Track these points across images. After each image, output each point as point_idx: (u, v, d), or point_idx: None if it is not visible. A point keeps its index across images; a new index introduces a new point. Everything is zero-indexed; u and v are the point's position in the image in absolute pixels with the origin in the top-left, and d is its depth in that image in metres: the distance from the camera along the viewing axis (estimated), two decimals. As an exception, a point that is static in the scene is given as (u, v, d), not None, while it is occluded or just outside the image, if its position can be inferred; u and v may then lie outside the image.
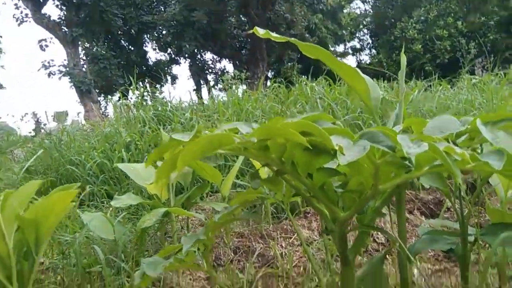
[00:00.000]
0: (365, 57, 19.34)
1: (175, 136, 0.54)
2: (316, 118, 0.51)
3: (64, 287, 1.49)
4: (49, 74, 14.65)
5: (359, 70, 0.93)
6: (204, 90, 16.96)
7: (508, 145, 0.47)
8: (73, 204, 1.07)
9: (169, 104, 4.07)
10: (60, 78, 14.50)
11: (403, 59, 1.09)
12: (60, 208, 0.90)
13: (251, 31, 1.06)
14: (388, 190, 0.71)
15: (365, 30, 19.59)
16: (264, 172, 1.92)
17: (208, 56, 18.58)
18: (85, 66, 14.86)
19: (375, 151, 0.46)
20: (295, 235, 1.95)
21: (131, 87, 4.25)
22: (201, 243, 0.89)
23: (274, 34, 1.04)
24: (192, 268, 1.13)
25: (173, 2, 15.66)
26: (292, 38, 0.97)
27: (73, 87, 14.13)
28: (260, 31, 1.02)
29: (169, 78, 18.54)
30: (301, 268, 1.70)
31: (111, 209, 1.83)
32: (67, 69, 14.26)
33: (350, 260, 0.71)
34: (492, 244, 0.91)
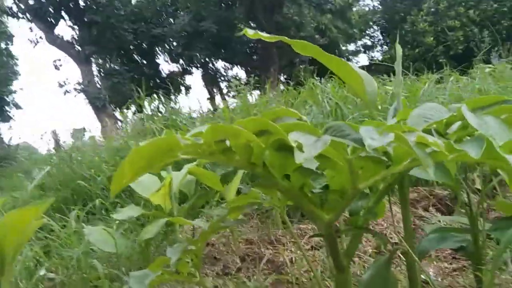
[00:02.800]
0: (376, 54, 19.15)
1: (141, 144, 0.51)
2: (280, 114, 0.47)
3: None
4: (65, 93, 14.96)
5: (352, 64, 0.89)
6: (218, 98, 17.05)
7: (496, 131, 0.42)
8: (41, 221, 1.05)
9: (179, 114, 4.07)
10: (75, 96, 14.79)
11: (398, 49, 1.04)
12: (21, 227, 0.85)
13: (241, 33, 1.04)
14: (380, 189, 0.66)
15: (375, 27, 19.41)
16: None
17: (220, 64, 18.68)
18: (99, 82, 15.11)
19: (345, 146, 0.41)
20: (305, 239, 1.90)
21: (140, 99, 4.27)
22: (192, 253, 0.85)
23: (264, 34, 1.00)
24: (185, 280, 1.09)
25: (181, 13, 15.82)
26: (282, 36, 0.94)
27: (88, 103, 14.39)
28: (250, 32, 0.99)
29: (183, 88, 18.69)
30: (312, 274, 1.65)
31: (117, 222, 1.81)
32: (82, 86, 14.53)
33: (344, 266, 0.66)
34: (502, 241, 0.85)
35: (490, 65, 4.38)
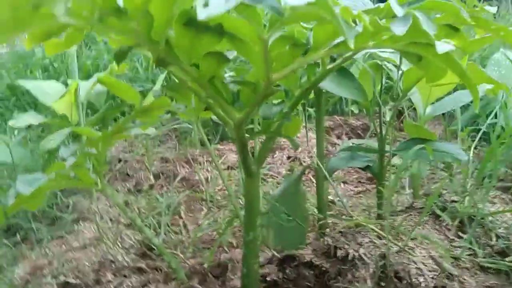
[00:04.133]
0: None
1: None
2: None
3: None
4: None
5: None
6: None
7: (424, 25, 0.39)
8: None
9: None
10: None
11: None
12: None
13: None
14: (296, 94, 0.63)
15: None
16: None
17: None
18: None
19: (261, 21, 0.36)
20: (223, 158, 1.90)
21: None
22: (93, 158, 0.78)
23: None
24: (84, 187, 1.03)
25: None
26: None
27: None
28: None
29: None
30: (226, 192, 1.67)
31: (15, 130, 1.64)
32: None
33: (253, 171, 0.63)
34: (403, 157, 0.89)
35: None
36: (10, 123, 1.31)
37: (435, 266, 0.80)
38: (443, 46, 0.35)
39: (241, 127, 0.54)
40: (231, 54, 0.51)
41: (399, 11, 0.39)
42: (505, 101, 1.17)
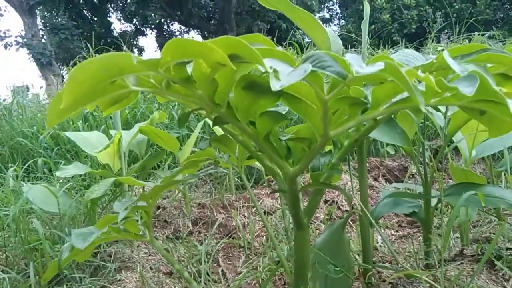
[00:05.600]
0: (334, 28, 19.26)
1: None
2: (251, 40, 0.41)
3: (8, 264, 1.37)
4: (6, 46, 13.82)
5: (318, 20, 0.84)
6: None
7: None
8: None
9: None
10: (17, 50, 13.71)
11: (366, 7, 1.01)
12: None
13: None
14: (345, 145, 0.63)
15: (334, 0, 19.46)
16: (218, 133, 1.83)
17: (176, 26, 18.02)
18: (44, 37, 14.08)
19: (322, 83, 0.37)
20: (259, 203, 1.89)
21: (89, 56, 4.01)
22: (142, 210, 0.79)
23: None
24: (133, 239, 1.04)
25: (136, -31, 14.95)
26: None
27: (32, 59, 13.40)
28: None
29: (135, 50, 17.89)
30: (264, 238, 1.65)
31: (60, 181, 1.70)
32: (25, 39, 13.47)
33: (304, 224, 0.63)
34: (455, 205, 0.86)
35: (441, 44, 4.52)
36: (57, 173, 1.36)
37: (496, 321, 0.75)
38: (514, 104, 0.35)
39: (295, 180, 0.55)
40: (283, 110, 0.53)
41: (456, 68, 0.39)
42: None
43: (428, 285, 0.82)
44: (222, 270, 1.42)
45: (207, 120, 1.79)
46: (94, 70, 0.32)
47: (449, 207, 1.43)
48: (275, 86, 0.31)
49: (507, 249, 0.96)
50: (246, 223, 1.73)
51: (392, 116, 0.99)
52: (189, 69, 0.39)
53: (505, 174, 1.24)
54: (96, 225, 0.78)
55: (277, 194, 1.95)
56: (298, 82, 0.40)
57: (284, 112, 0.51)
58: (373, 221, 0.94)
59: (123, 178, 1.29)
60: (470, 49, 0.44)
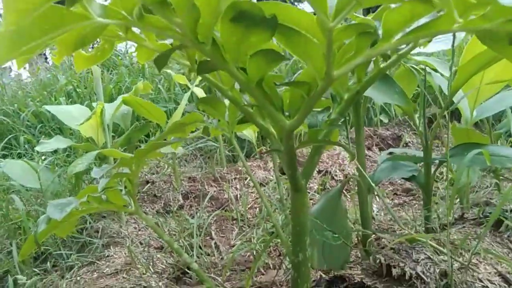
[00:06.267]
0: None
1: None
2: None
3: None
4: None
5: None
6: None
7: None
8: None
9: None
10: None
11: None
12: None
13: None
14: (345, 98, 0.57)
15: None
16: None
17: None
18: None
19: (326, 7, 0.31)
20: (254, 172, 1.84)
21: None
22: (126, 179, 0.73)
23: None
24: (117, 210, 0.98)
25: None
26: None
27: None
28: None
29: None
30: (257, 210, 1.61)
31: (43, 157, 1.63)
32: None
33: (302, 185, 0.58)
34: (459, 165, 0.82)
35: None
36: (37, 148, 1.29)
37: (503, 284, 0.72)
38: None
39: (291, 136, 0.49)
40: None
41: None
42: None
43: (432, 249, 0.78)
44: (215, 243, 1.37)
45: (195, 91, 1.71)
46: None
47: (447, 171, 1.39)
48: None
49: (511, 211, 0.92)
50: (238, 196, 1.69)
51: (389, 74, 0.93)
52: (166, -6, 0.32)
53: (506, 140, 1.20)
54: (77, 196, 0.72)
55: (270, 166, 1.90)
56: (296, 9, 0.34)
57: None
58: (374, 185, 0.89)
59: (108, 150, 1.22)
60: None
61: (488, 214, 0.95)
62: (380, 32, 0.35)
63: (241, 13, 0.35)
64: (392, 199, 1.68)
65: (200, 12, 0.33)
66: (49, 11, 0.29)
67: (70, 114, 1.54)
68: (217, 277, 1.10)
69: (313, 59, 0.39)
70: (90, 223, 1.31)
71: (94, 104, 1.66)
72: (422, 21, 0.33)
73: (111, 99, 2.58)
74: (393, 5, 0.34)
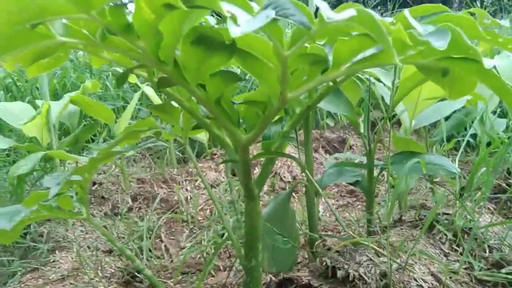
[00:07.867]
0: None
1: None
2: None
3: None
4: None
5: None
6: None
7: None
8: None
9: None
10: None
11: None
12: None
13: None
14: (297, 112, 0.61)
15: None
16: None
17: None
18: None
19: (282, 37, 0.33)
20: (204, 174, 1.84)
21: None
22: (77, 185, 0.72)
23: None
24: (68, 217, 0.96)
25: None
26: None
27: None
28: None
29: None
30: (208, 211, 1.62)
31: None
32: None
33: (255, 194, 0.60)
34: (399, 173, 0.88)
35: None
36: (-25, 148, 1.22)
37: (435, 283, 0.79)
38: (489, 61, 0.34)
39: (247, 149, 0.51)
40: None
41: (419, 27, 0.37)
42: (484, 113, 1.20)
43: (373, 251, 0.84)
44: (165, 246, 1.37)
45: (145, 90, 1.68)
46: (8, 10, 0.26)
47: (387, 176, 1.48)
48: (234, 32, 0.27)
49: (444, 214, 1.01)
50: (189, 197, 1.69)
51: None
52: (130, 18, 0.33)
53: (440, 145, 1.30)
54: (24, 203, 0.70)
55: (221, 167, 1.91)
56: (254, 36, 0.37)
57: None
58: (320, 190, 0.94)
59: (54, 152, 1.18)
60: (428, 10, 0.42)
61: (423, 217, 1.04)
62: (330, 59, 0.38)
63: (202, 37, 0.36)
64: (337, 200, 1.76)
65: (163, 36, 0.35)
66: (13, 31, 0.29)
67: (11, 112, 1.47)
68: (167, 281, 1.10)
69: (268, 81, 0.42)
70: (33, 227, 1.26)
71: (38, 102, 1.59)
72: (370, 51, 0.37)
73: (55, 95, 2.47)
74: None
